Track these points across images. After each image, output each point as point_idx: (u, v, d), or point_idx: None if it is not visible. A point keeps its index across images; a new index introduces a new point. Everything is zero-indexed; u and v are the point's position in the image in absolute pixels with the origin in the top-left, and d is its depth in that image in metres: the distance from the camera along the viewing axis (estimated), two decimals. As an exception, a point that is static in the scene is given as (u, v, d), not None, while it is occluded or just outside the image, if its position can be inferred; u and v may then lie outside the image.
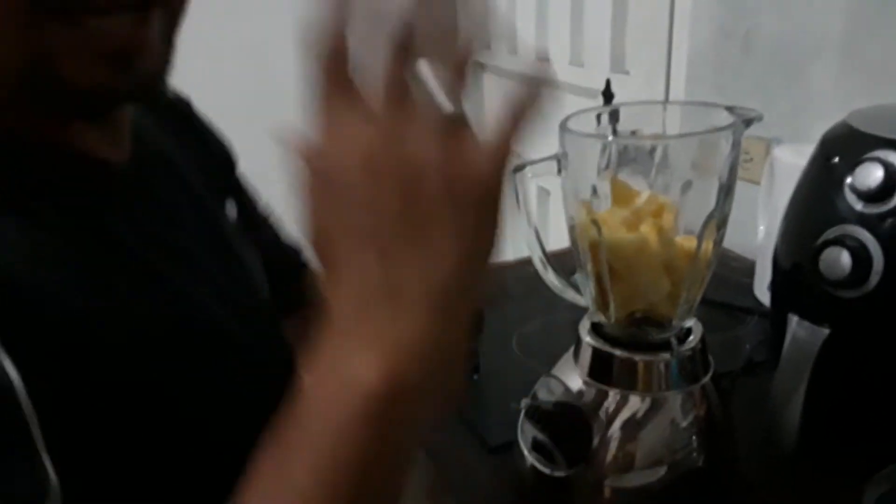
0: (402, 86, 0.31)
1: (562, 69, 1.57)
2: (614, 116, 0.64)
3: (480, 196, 0.31)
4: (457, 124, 0.32)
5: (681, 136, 0.55)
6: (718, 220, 0.55)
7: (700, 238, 0.55)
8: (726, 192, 0.55)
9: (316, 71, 0.31)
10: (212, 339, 0.45)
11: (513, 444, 0.67)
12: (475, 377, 0.83)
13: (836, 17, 0.91)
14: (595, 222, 0.55)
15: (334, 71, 0.31)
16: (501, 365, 0.85)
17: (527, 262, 1.22)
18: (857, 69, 0.90)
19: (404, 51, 0.31)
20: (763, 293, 0.94)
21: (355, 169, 0.30)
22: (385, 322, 0.29)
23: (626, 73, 1.37)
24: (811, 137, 0.70)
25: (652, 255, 0.55)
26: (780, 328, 0.68)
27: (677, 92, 1.21)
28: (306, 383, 0.31)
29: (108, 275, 0.40)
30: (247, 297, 0.53)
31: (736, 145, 0.53)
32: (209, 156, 0.60)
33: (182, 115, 0.59)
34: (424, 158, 0.30)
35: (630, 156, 0.60)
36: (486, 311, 0.99)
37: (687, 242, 0.57)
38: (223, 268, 0.51)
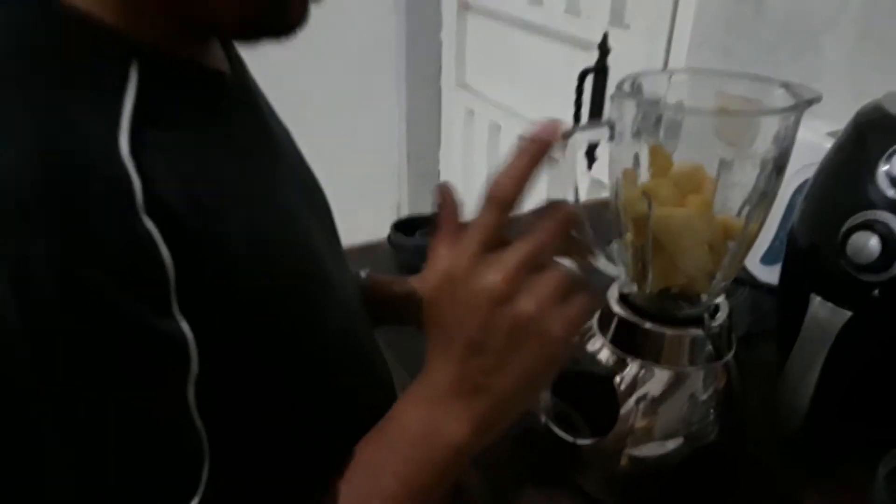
0: (541, 262, 0.42)
1: (556, 17, 1.53)
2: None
3: (556, 355, 0.42)
4: (569, 302, 0.42)
5: (740, 113, 0.54)
6: (769, 200, 0.54)
7: (749, 218, 0.54)
8: (778, 172, 0.54)
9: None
10: (320, 280, 0.49)
11: (528, 412, 0.68)
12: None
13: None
14: (646, 194, 0.53)
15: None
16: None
17: (518, 218, 1.21)
18: (871, 45, 0.90)
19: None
20: (755, 265, 0.96)
21: (488, 298, 0.40)
22: (475, 405, 0.42)
23: (626, 26, 1.35)
24: (816, 111, 0.70)
25: (699, 232, 0.54)
26: (791, 306, 0.69)
27: (679, 52, 1.19)
28: (402, 420, 0.43)
29: (266, 204, 0.45)
30: (331, 226, 0.59)
31: (794, 126, 0.52)
32: None
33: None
34: (536, 316, 0.40)
35: (669, 126, 0.58)
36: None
37: (729, 220, 0.57)
38: (314, 193, 0.57)
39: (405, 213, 2.32)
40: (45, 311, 0.32)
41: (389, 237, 0.99)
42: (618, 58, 1.33)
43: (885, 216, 0.59)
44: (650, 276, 0.58)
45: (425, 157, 2.21)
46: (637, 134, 0.56)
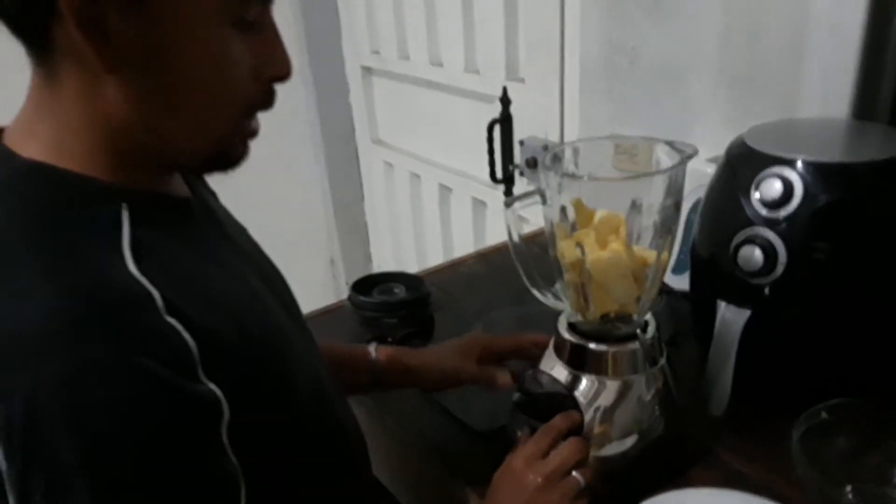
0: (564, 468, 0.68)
1: (457, 76, 1.68)
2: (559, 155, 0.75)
3: None
4: (580, 493, 0.67)
5: (639, 174, 0.68)
6: (673, 233, 0.68)
7: (660, 249, 0.68)
8: (676, 209, 0.68)
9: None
10: (289, 351, 0.60)
11: (500, 430, 0.79)
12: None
13: (709, 38, 1.09)
14: (580, 245, 0.66)
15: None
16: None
17: (459, 264, 1.33)
18: (727, 82, 1.08)
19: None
20: (667, 276, 1.11)
21: (533, 488, 0.65)
22: None
23: (521, 80, 1.50)
24: (694, 138, 0.85)
25: (624, 267, 0.68)
26: (702, 309, 0.84)
27: (571, 96, 1.35)
28: None
29: (240, 295, 0.55)
30: (293, 304, 0.70)
31: (681, 176, 0.67)
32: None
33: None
34: (560, 502, 0.65)
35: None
36: (439, 313, 1.09)
37: (644, 252, 0.70)
38: (273, 277, 0.68)
39: (340, 267, 2.41)
40: (119, 397, 0.43)
41: (350, 297, 1.09)
42: (519, 107, 1.48)
43: (762, 231, 0.75)
44: (591, 306, 0.71)
45: (351, 211, 2.31)
46: (560, 194, 0.69)
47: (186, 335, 0.46)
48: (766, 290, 0.75)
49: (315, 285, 2.26)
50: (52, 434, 0.42)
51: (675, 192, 0.67)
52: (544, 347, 0.75)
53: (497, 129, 1.50)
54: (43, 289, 0.45)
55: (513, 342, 0.84)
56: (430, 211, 1.97)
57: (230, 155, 0.56)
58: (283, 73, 0.54)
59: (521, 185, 1.58)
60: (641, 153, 0.75)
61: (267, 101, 0.55)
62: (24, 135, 0.51)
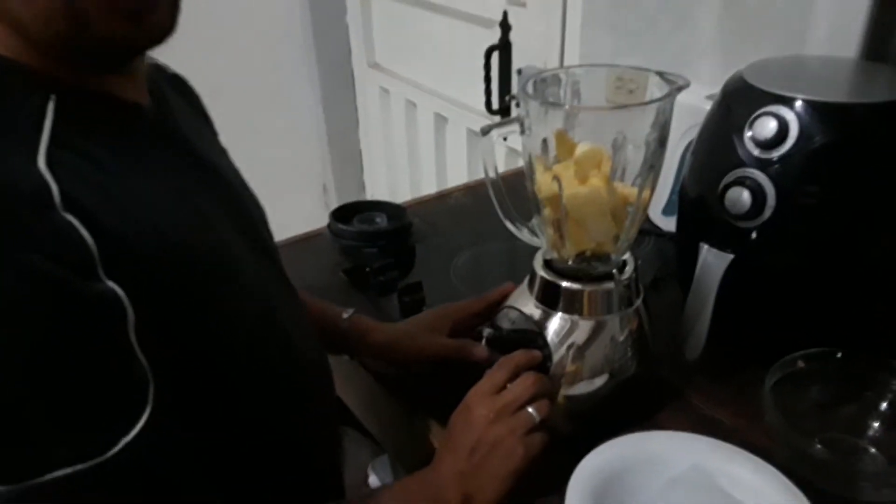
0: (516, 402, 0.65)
1: (458, -2, 1.61)
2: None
3: (517, 462, 0.63)
4: (534, 427, 0.64)
5: (623, 105, 0.64)
6: (656, 170, 0.65)
7: (641, 187, 0.65)
8: (661, 145, 0.65)
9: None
10: (232, 275, 0.57)
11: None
12: (424, 310, 0.92)
13: (719, -34, 1.03)
14: (556, 178, 0.63)
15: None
16: (445, 296, 0.93)
17: (446, 195, 1.30)
18: (736, 15, 1.03)
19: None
20: (657, 217, 1.08)
21: (484, 422, 0.64)
22: (464, 485, 0.62)
23: (523, 4, 1.43)
24: (696, 76, 0.81)
25: (602, 204, 0.65)
26: (687, 252, 0.81)
27: (573, 26, 1.29)
28: (412, 488, 0.64)
29: (172, 208, 0.52)
30: (266, 235, 0.67)
31: (669, 109, 0.63)
32: (204, 120, 0.69)
33: (182, 88, 0.69)
34: (508, 438, 0.63)
35: (569, 116, 0.68)
36: (420, 244, 1.07)
37: (626, 190, 0.67)
38: (242, 203, 0.65)
39: (332, 194, 2.38)
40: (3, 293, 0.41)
41: (329, 225, 1.06)
42: (518, 34, 1.42)
43: (752, 173, 0.71)
44: (567, 243, 0.68)
45: (346, 138, 2.26)
46: (542, 125, 0.66)
47: (84, 231, 0.44)
48: (752, 235, 0.72)
49: (307, 213, 2.24)
50: None
51: (661, 125, 0.63)
52: None
53: (495, 57, 1.45)
54: None
55: (483, 303, 0.81)
56: (426, 141, 1.92)
57: (96, 34, 0.48)
58: None
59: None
60: (640, 87, 0.71)
61: None
62: None
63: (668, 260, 0.98)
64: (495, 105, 1.51)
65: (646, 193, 0.66)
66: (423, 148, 1.96)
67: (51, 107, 0.48)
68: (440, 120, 1.84)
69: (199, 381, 0.52)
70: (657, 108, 0.63)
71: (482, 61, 1.46)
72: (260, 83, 2.03)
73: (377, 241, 1.03)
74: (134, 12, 0.49)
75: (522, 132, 0.64)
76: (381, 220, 1.08)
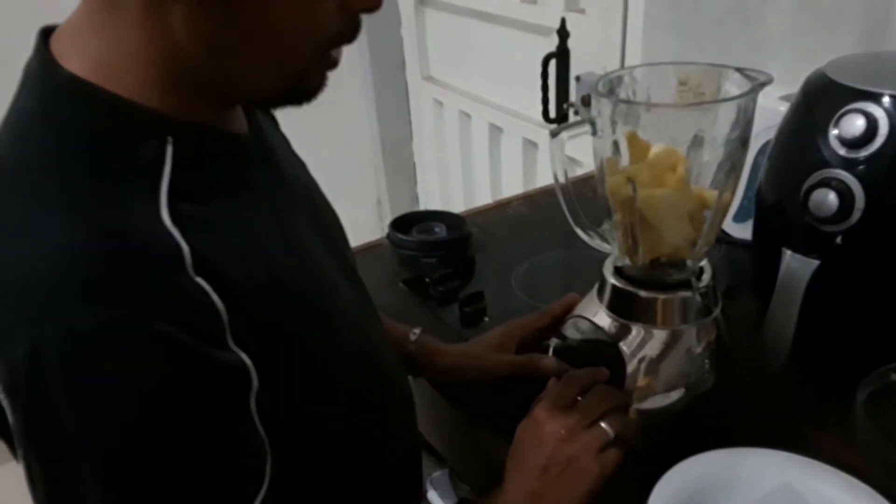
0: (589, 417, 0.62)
1: (512, 6, 1.59)
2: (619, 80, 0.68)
3: (591, 481, 0.60)
4: (608, 444, 0.62)
5: (703, 102, 0.61)
6: (737, 171, 0.62)
7: (722, 189, 0.62)
8: (742, 145, 0.61)
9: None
10: (335, 308, 0.55)
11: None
12: (486, 320, 0.89)
13: (792, -37, 0.98)
14: (630, 180, 0.60)
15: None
16: (507, 306, 0.91)
17: (504, 205, 1.28)
18: (808, 14, 0.98)
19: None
20: (728, 224, 1.04)
21: (556, 440, 0.61)
22: None
23: (582, 11, 1.41)
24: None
25: (680, 206, 0.62)
26: (765, 259, 0.77)
27: (635, 32, 1.26)
28: None
29: (283, 243, 0.51)
30: (348, 253, 0.65)
31: (752, 107, 0.60)
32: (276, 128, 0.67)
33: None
34: (582, 456, 0.60)
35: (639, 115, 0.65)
36: (479, 254, 1.05)
37: (704, 192, 0.64)
38: (328, 219, 0.63)
39: (386, 207, 2.38)
40: (132, 365, 0.39)
41: (388, 235, 1.05)
42: (577, 41, 1.39)
43: (839, 173, 0.67)
44: (640, 249, 0.65)
45: (400, 150, 2.26)
46: (614, 125, 0.63)
47: (215, 297, 0.41)
48: (839, 239, 0.68)
49: (361, 226, 2.23)
50: (53, 397, 0.38)
51: (743, 124, 0.60)
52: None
53: (553, 64, 1.43)
54: (62, 231, 0.40)
55: (548, 318, 0.78)
56: (480, 151, 1.91)
57: (306, 89, 0.49)
58: (373, 4, 0.47)
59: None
60: (707, 87, 0.67)
61: (352, 32, 0.48)
62: (72, 46, 0.45)
63: (741, 268, 0.93)
64: (552, 114, 1.48)
65: (727, 196, 0.62)
66: (477, 159, 1.94)
67: (169, 151, 0.44)
68: (495, 130, 1.82)
69: (309, 441, 0.50)
70: (739, 106, 0.59)
71: (538, 70, 1.44)
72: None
73: (437, 251, 1.01)
74: (328, 70, 0.50)
75: (594, 133, 0.62)
76: (440, 231, 1.06)
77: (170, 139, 0.45)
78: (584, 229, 0.68)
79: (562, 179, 0.65)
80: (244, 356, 0.42)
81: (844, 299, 0.69)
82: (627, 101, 0.61)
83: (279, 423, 0.45)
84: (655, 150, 0.64)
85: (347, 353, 0.55)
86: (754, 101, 0.59)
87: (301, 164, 0.65)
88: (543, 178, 1.66)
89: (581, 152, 1.53)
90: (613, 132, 0.62)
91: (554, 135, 0.61)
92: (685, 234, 0.63)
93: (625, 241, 0.66)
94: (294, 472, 0.48)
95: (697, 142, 0.63)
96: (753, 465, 0.62)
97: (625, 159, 0.65)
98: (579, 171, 1.57)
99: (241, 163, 0.52)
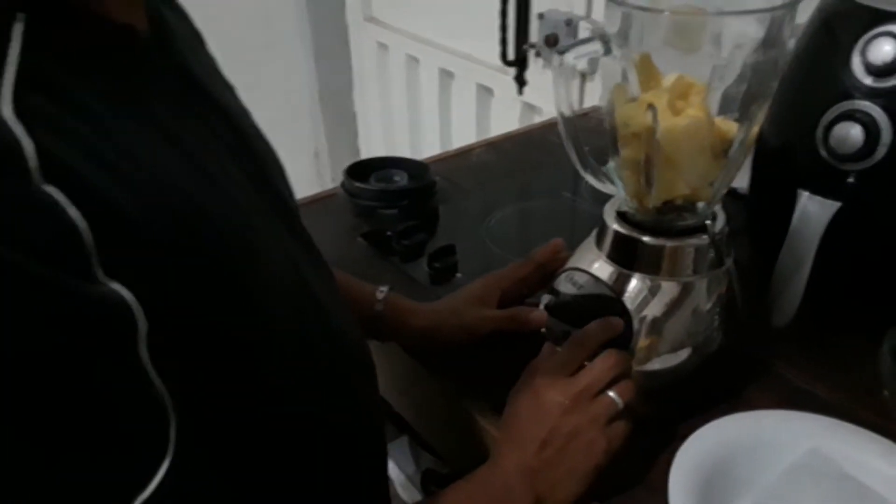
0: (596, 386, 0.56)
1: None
2: None
3: (598, 457, 0.54)
4: (616, 415, 0.55)
5: (738, 12, 0.52)
6: (765, 101, 0.54)
7: (750, 121, 0.54)
8: (774, 68, 0.53)
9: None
10: (251, 240, 0.44)
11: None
12: (458, 276, 0.81)
13: None
14: (651, 106, 0.51)
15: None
16: (480, 260, 0.82)
17: (467, 152, 1.18)
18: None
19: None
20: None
21: (559, 410, 0.54)
22: (536, 485, 0.54)
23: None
24: None
25: (703, 139, 0.54)
26: (768, 204, 0.70)
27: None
28: (479, 482, 0.55)
29: (187, 168, 0.40)
30: (286, 193, 0.56)
31: (785, 27, 0.51)
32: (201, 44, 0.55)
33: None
34: (587, 428, 0.54)
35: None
36: (443, 205, 0.96)
37: (724, 125, 0.56)
38: (257, 151, 0.53)
39: (325, 159, 2.25)
40: None
41: (343, 184, 0.94)
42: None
43: (864, 105, 0.60)
44: (653, 189, 0.57)
45: (340, 98, 2.13)
46: (624, 47, 0.54)
47: (73, 211, 0.31)
48: (861, 178, 0.61)
49: (298, 181, 2.10)
50: None
51: (777, 43, 0.52)
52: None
53: (512, 3, 1.33)
54: None
55: (531, 265, 0.70)
56: (429, 99, 1.79)
57: None
58: None
59: (535, 69, 1.41)
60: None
61: None
62: None
63: (732, 216, 0.87)
64: (511, 55, 1.38)
65: (754, 129, 0.54)
66: (425, 108, 1.83)
67: (18, 29, 0.34)
68: (445, 76, 1.71)
69: (229, 398, 0.40)
70: (772, 20, 0.51)
71: (495, 8, 1.34)
72: (245, 38, 1.89)
73: (399, 200, 0.91)
74: None
75: (607, 52, 0.52)
76: (401, 179, 0.96)
77: (21, 14, 0.34)
78: (591, 172, 0.59)
79: (566, 110, 0.55)
80: (123, 290, 0.33)
81: (866, 244, 0.63)
82: (651, 9, 0.52)
83: (186, 375, 0.36)
84: (669, 79, 0.56)
85: (278, 303, 0.45)
86: (792, 15, 0.51)
87: (228, 87, 0.54)
88: (499, 127, 1.57)
89: (541, 98, 1.45)
90: (631, 50, 0.53)
91: (561, 52, 0.51)
92: (707, 172, 0.55)
93: (635, 180, 0.57)
94: (218, 440, 0.39)
95: (719, 69, 0.55)
96: (776, 428, 0.56)
97: (633, 89, 0.56)
98: (536, 120, 1.49)
99: (132, 63, 0.41)
